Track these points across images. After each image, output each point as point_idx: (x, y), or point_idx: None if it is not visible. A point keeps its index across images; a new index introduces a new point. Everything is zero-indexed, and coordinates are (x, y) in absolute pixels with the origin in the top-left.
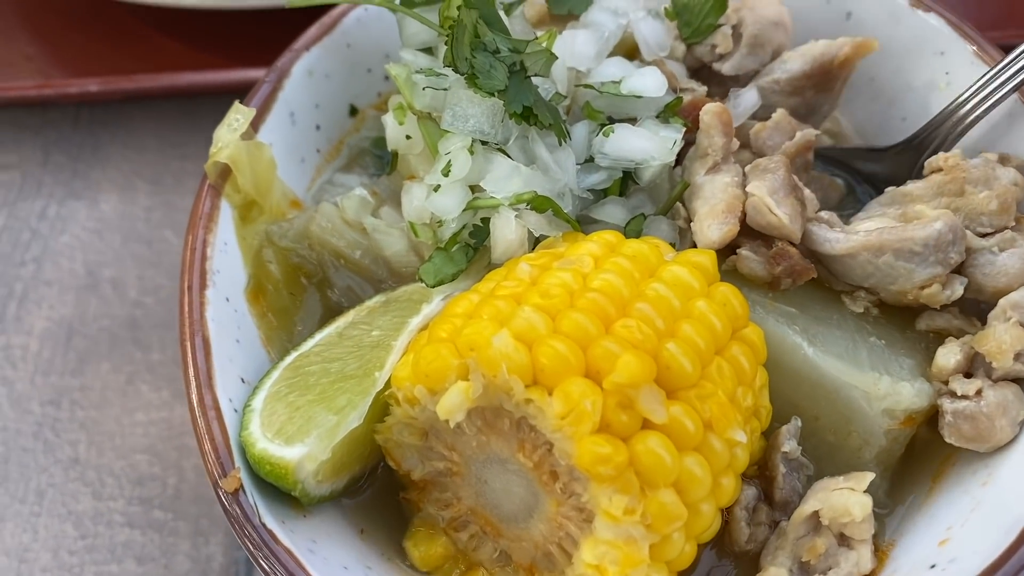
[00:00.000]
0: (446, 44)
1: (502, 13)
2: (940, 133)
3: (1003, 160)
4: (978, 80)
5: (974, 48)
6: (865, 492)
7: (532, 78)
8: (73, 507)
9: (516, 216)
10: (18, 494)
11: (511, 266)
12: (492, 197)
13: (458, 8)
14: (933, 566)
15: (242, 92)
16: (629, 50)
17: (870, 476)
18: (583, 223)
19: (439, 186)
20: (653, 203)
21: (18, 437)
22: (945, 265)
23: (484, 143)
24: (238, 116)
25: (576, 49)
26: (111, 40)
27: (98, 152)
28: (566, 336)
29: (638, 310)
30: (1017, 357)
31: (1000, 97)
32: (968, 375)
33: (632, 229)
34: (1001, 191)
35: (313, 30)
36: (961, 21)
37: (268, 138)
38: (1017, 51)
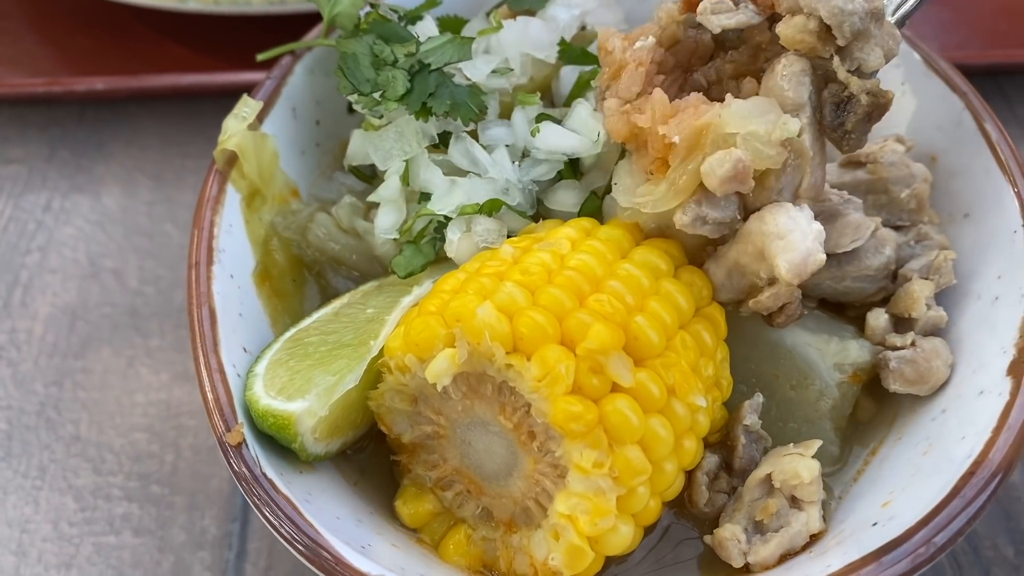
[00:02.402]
0: (336, 75)
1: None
2: None
3: (899, 142)
4: None
5: (921, 58)
6: (814, 458)
7: (450, 67)
8: (73, 481)
9: (464, 231)
10: (21, 468)
11: (496, 249)
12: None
13: (346, 41)
14: (875, 524)
15: (242, 93)
16: None
17: (818, 443)
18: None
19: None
20: (606, 174)
21: (22, 415)
22: (888, 277)
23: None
24: (246, 108)
25: (529, 35)
26: (116, 42)
27: (102, 149)
28: (544, 308)
29: (610, 287)
30: (928, 305)
31: None
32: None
33: (587, 209)
34: (918, 190)
35: (314, 32)
36: (916, 36)
37: (271, 130)
38: None
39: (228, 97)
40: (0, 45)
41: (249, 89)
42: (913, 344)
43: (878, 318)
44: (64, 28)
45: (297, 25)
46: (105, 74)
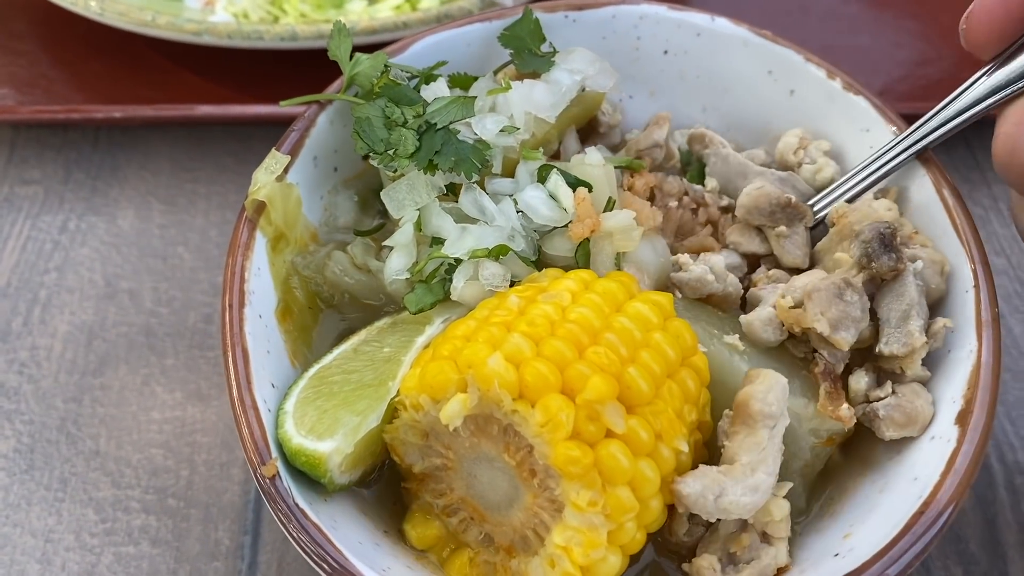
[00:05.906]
0: (353, 137)
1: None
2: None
3: (880, 194)
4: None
5: (893, 128)
6: (784, 498)
7: (460, 124)
8: (94, 494)
9: (470, 277)
10: (44, 481)
11: (503, 297)
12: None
13: (361, 107)
14: (836, 554)
15: (250, 125)
16: None
17: (789, 485)
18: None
19: (392, 248)
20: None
21: (43, 430)
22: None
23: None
24: (275, 162)
25: (534, 98)
26: (129, 68)
27: (116, 172)
28: (547, 359)
29: (606, 339)
30: (923, 362)
31: (889, 169)
32: None
33: (582, 254)
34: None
35: (335, 85)
36: (883, 103)
37: (295, 179)
38: (907, 131)
39: (234, 126)
40: (16, 67)
41: (254, 121)
42: (894, 392)
43: (859, 381)
44: (78, 52)
45: (305, 60)
46: (118, 98)
